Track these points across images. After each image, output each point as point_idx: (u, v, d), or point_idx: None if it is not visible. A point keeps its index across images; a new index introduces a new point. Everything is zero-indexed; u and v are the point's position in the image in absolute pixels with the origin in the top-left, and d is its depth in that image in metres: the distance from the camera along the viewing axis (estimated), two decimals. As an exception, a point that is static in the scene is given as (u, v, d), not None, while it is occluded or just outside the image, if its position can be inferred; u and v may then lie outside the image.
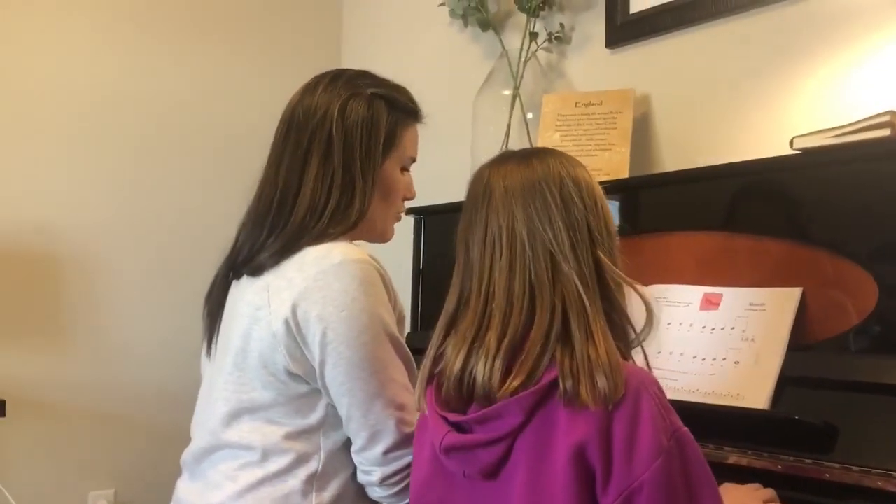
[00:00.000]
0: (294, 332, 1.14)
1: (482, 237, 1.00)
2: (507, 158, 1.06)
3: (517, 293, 0.96)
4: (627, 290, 1.00)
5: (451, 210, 2.04)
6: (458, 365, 0.96)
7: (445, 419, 0.99)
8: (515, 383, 0.92)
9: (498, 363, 0.93)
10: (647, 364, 1.00)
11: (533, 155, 1.04)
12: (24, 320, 2.24)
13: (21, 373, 2.19)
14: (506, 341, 0.94)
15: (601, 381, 0.88)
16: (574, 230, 0.97)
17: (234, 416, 1.19)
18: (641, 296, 0.99)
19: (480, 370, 0.94)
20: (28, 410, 2.17)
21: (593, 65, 2.00)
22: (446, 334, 1.02)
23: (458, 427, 0.98)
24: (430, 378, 1.03)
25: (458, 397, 0.98)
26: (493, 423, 0.94)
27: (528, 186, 0.99)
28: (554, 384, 0.91)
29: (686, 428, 0.91)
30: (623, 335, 0.98)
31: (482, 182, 1.04)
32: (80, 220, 2.32)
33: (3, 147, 2.22)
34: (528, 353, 0.93)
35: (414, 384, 1.20)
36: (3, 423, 1.90)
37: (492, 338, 0.95)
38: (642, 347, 1.00)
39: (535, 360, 0.92)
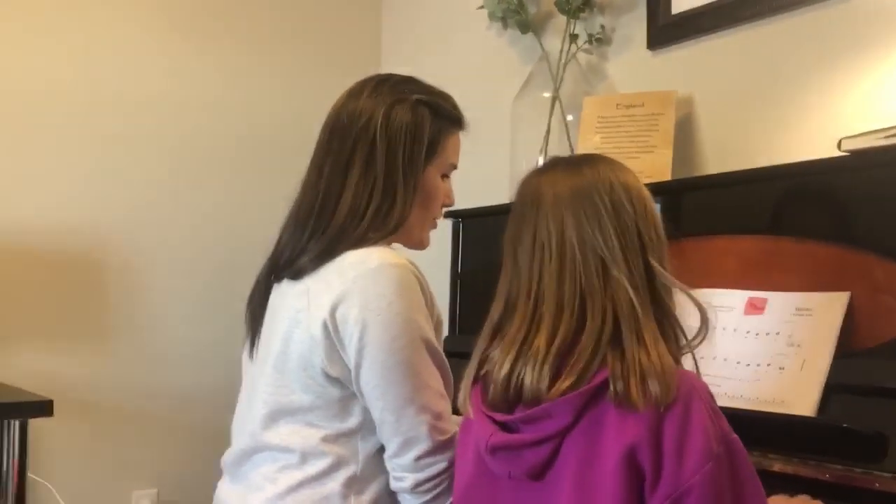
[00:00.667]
0: (332, 335, 1.14)
1: (531, 243, 1.00)
2: (555, 165, 1.06)
3: (567, 298, 0.96)
4: (678, 296, 0.99)
5: (490, 213, 2.04)
6: (505, 369, 0.96)
7: (492, 419, 0.99)
8: (565, 385, 0.92)
9: (546, 367, 0.93)
10: (697, 369, 0.99)
11: (583, 161, 1.04)
12: (70, 322, 2.28)
13: (67, 373, 2.24)
14: (555, 345, 0.94)
15: (653, 385, 0.88)
16: (624, 236, 0.97)
17: (274, 418, 1.20)
18: (696, 302, 0.99)
19: (529, 374, 0.94)
20: (74, 410, 2.21)
21: (634, 66, 1.98)
22: (492, 339, 1.02)
23: (505, 427, 0.98)
24: (475, 380, 1.03)
25: (504, 400, 0.98)
26: (542, 422, 0.94)
27: (578, 192, 0.99)
28: (604, 385, 0.91)
29: (736, 435, 0.91)
30: (674, 340, 0.98)
31: (531, 189, 1.04)
32: (125, 223, 2.36)
33: (50, 151, 2.27)
34: (579, 356, 0.93)
35: (450, 391, 1.21)
36: (50, 423, 1.93)
37: (541, 342, 0.95)
38: (693, 353, 0.99)
39: (586, 362, 0.92)
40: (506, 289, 1.03)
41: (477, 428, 1.01)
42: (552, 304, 0.96)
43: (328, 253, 1.19)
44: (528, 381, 0.94)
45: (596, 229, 0.97)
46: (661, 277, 0.97)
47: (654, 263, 0.97)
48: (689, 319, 1.00)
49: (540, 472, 0.95)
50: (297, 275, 1.21)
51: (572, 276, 0.97)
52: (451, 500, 1.15)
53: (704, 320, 0.99)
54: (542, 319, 0.96)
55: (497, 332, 1.02)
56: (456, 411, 1.16)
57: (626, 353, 0.91)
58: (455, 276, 2.07)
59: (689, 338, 0.99)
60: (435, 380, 1.17)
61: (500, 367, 0.97)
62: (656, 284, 0.97)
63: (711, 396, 0.92)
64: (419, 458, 1.15)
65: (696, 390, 0.90)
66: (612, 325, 0.93)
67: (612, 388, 0.90)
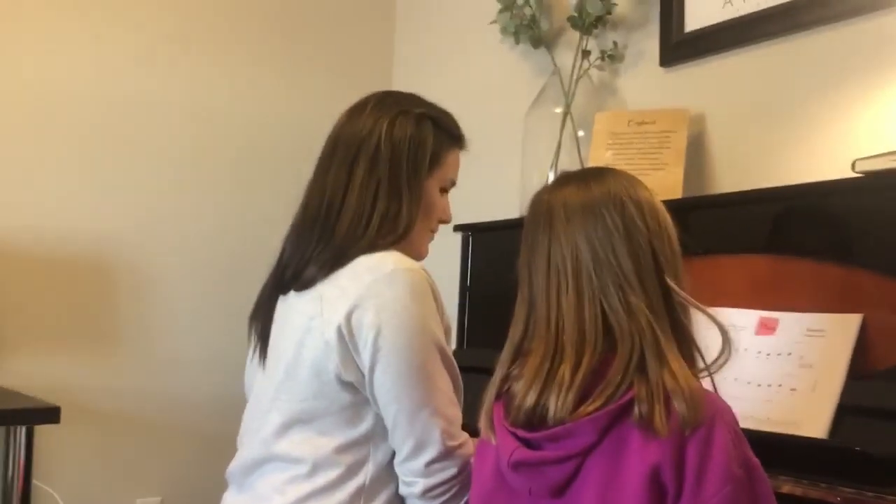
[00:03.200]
0: (346, 339, 1.15)
1: (545, 267, 1.00)
2: (566, 181, 1.05)
3: (588, 325, 0.96)
4: (694, 314, 0.98)
5: (500, 227, 2.04)
6: (530, 399, 0.96)
7: (515, 435, 0.98)
8: (591, 408, 0.92)
9: (571, 396, 0.93)
10: (716, 390, 0.99)
11: (592, 177, 1.03)
12: (77, 328, 2.28)
13: (74, 380, 2.24)
14: (580, 374, 0.94)
15: (680, 407, 0.88)
16: (638, 257, 0.96)
17: (287, 426, 1.20)
18: (717, 323, 0.97)
19: (553, 402, 0.94)
20: (80, 417, 2.20)
21: (647, 83, 1.98)
22: (513, 361, 1.02)
23: (527, 444, 0.97)
24: (498, 397, 1.03)
25: (528, 422, 0.98)
26: (565, 441, 0.94)
27: (589, 211, 0.99)
28: (628, 406, 0.91)
29: (757, 460, 0.91)
30: (692, 360, 0.97)
31: (541, 209, 1.04)
32: (133, 230, 2.37)
33: (60, 157, 2.28)
34: (609, 381, 0.92)
35: (460, 398, 1.21)
36: (56, 429, 1.93)
37: (565, 371, 0.95)
38: (711, 375, 0.98)
39: (615, 387, 0.92)
40: (524, 313, 1.02)
41: (499, 443, 1.00)
42: (573, 333, 0.96)
43: (339, 259, 1.19)
44: (552, 409, 0.94)
45: (609, 252, 0.96)
46: (677, 297, 0.97)
47: (671, 283, 0.97)
48: (704, 338, 0.99)
49: (561, 490, 0.95)
50: (305, 286, 1.21)
51: (591, 302, 0.96)
52: None
53: (727, 341, 0.97)
54: (565, 349, 0.96)
55: (517, 353, 1.02)
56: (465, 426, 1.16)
57: (651, 377, 0.91)
58: (464, 290, 2.07)
59: (706, 357, 0.99)
60: (447, 385, 1.18)
61: (525, 396, 0.96)
62: (673, 304, 0.97)
63: (735, 419, 0.92)
64: (430, 462, 1.15)
65: (720, 413, 0.90)
66: (640, 351, 0.93)
67: (636, 410, 0.90)
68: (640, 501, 0.88)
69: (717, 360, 0.98)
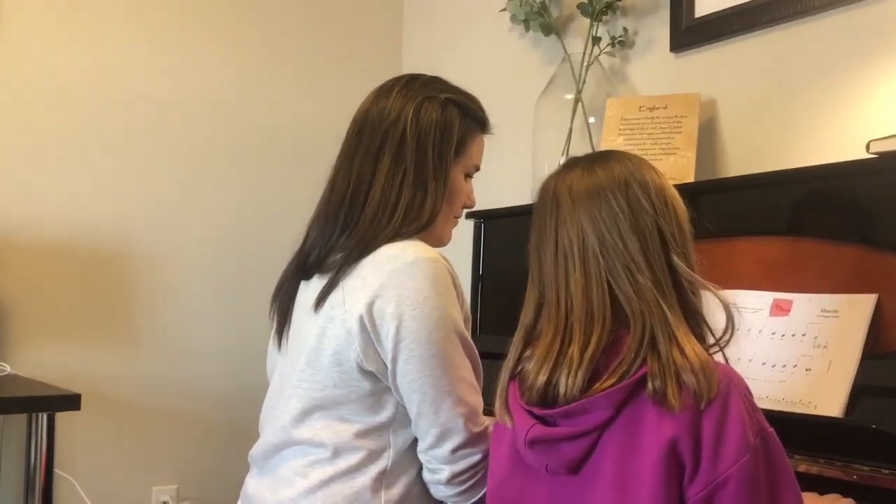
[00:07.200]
0: (369, 329, 1.16)
1: (553, 250, 1.01)
2: (572, 166, 1.06)
3: (597, 305, 0.97)
4: (705, 296, 0.99)
5: (512, 214, 2.05)
6: (542, 379, 0.97)
7: (531, 413, 1.00)
8: (606, 385, 0.93)
9: (580, 374, 0.94)
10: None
11: (597, 161, 1.04)
12: (96, 318, 2.30)
13: (93, 369, 2.26)
14: (588, 353, 0.95)
15: (691, 381, 0.89)
16: (644, 237, 0.97)
17: (307, 413, 1.21)
18: (721, 300, 0.99)
19: (563, 382, 0.95)
20: (98, 406, 2.22)
21: (657, 69, 1.99)
22: (525, 346, 1.03)
23: (543, 421, 0.99)
24: (512, 377, 1.04)
25: (541, 401, 0.99)
26: (580, 417, 0.95)
27: (594, 195, 1.00)
28: (642, 381, 0.92)
29: (772, 428, 0.92)
30: (700, 337, 0.98)
31: (549, 194, 1.05)
32: (152, 220, 2.39)
33: (79, 149, 2.30)
34: (623, 359, 0.94)
35: (480, 385, 1.22)
36: (74, 418, 1.95)
37: (574, 351, 0.96)
38: (722, 351, 1.00)
39: (629, 364, 0.93)
40: (535, 295, 1.04)
41: (515, 421, 1.02)
42: (581, 314, 0.97)
43: (364, 248, 1.19)
44: (562, 388, 0.95)
45: (615, 234, 0.97)
46: (684, 275, 0.98)
47: (678, 261, 0.98)
48: (714, 320, 1.00)
49: (577, 466, 0.96)
50: (331, 276, 1.21)
51: (599, 283, 0.97)
52: (483, 491, 1.16)
53: (730, 318, 0.99)
54: (573, 329, 0.97)
55: (530, 335, 1.03)
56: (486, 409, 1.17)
57: (662, 354, 0.92)
58: (477, 277, 2.08)
59: (716, 336, 1.00)
60: (468, 373, 1.19)
61: (537, 376, 0.98)
62: (681, 282, 0.98)
63: (748, 390, 0.93)
64: (455, 449, 1.16)
65: (734, 384, 0.91)
66: (650, 328, 0.94)
67: (650, 385, 0.91)
68: (657, 476, 0.89)
69: (721, 336, 0.99)
